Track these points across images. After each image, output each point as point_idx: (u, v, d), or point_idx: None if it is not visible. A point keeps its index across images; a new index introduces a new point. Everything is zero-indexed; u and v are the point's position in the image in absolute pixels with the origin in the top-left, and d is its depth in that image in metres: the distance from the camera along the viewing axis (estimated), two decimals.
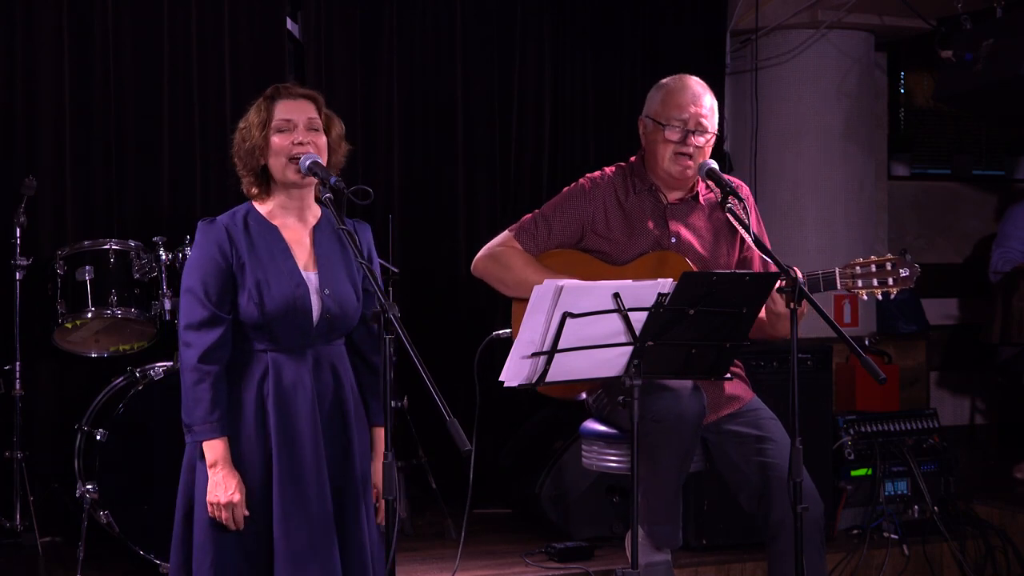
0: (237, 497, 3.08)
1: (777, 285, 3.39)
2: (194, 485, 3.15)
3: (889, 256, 3.63)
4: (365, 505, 3.23)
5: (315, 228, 3.26)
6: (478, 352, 3.83)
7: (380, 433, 3.28)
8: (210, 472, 3.09)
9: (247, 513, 3.11)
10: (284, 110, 3.18)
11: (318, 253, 3.22)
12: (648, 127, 3.82)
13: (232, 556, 3.12)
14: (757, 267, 3.83)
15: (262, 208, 3.23)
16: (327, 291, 3.17)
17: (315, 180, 3.16)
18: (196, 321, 3.11)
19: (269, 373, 3.15)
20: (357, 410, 3.25)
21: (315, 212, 3.28)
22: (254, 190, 3.23)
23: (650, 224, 3.79)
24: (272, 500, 3.11)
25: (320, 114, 3.22)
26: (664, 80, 3.86)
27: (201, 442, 3.10)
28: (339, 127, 3.28)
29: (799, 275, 3.43)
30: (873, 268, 3.61)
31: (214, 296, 3.11)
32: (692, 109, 3.74)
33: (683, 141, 3.73)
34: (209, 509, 3.09)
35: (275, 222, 3.22)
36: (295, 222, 3.24)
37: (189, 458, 3.17)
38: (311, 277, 3.18)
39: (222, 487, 3.08)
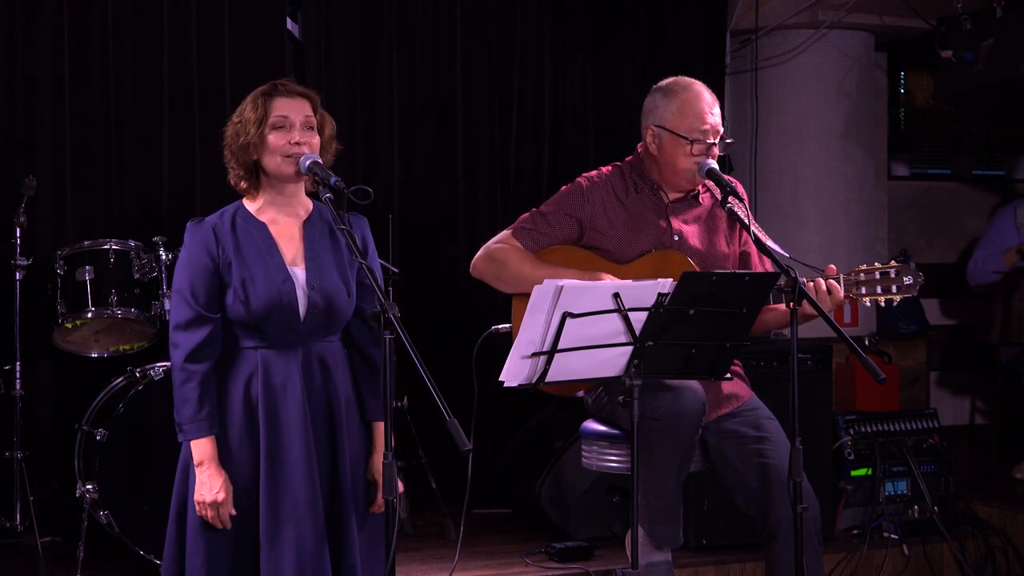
0: (222, 496, 3.08)
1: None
2: (187, 485, 3.15)
3: (894, 264, 3.60)
4: (356, 504, 3.21)
5: (306, 222, 3.24)
6: (477, 345, 3.82)
7: (380, 427, 3.26)
8: (197, 471, 3.10)
9: (234, 512, 3.10)
10: (281, 107, 3.18)
11: (308, 248, 3.20)
12: (663, 138, 3.72)
13: (224, 556, 3.12)
14: (756, 265, 3.82)
15: (251, 205, 3.23)
16: (313, 286, 3.15)
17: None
18: (183, 321, 3.11)
19: (258, 371, 3.14)
20: (349, 409, 3.22)
21: (306, 206, 3.26)
22: (243, 184, 3.22)
23: (653, 222, 3.77)
24: (260, 499, 3.11)
25: (316, 113, 3.22)
26: (665, 84, 3.77)
27: (189, 441, 3.11)
28: (331, 127, 3.27)
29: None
30: (877, 275, 3.59)
31: (201, 296, 3.12)
32: (711, 121, 3.68)
33: (707, 153, 3.69)
34: (196, 508, 3.09)
35: (264, 218, 3.21)
36: (285, 217, 3.22)
37: (184, 458, 3.17)
38: (298, 273, 3.16)
39: (208, 486, 3.08)
